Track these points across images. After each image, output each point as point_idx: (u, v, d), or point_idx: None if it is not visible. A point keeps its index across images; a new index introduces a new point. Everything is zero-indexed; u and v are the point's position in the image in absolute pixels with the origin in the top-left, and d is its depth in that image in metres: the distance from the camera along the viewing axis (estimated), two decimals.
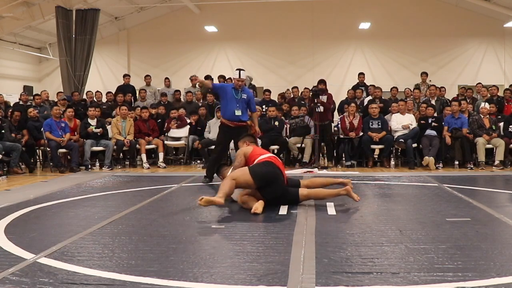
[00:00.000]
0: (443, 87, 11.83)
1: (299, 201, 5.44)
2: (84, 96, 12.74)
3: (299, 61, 16.23)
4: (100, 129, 10.04)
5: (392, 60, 16.13)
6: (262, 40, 16.31)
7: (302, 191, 5.46)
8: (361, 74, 12.42)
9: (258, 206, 5.10)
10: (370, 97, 11.24)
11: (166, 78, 13.25)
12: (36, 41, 16.70)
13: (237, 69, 7.46)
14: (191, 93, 12.00)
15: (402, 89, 12.48)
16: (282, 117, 10.48)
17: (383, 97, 11.16)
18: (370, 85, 11.80)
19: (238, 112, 7.32)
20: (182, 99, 12.11)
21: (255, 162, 5.37)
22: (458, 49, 15.99)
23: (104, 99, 12.07)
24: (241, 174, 5.14)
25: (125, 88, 12.32)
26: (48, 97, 11.97)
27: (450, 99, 11.17)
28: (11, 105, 11.63)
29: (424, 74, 12.52)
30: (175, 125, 10.60)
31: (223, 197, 4.94)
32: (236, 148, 6.94)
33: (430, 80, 13.14)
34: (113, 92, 12.21)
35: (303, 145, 9.99)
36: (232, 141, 7.56)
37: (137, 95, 12.57)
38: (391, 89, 11.71)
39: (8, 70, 15.94)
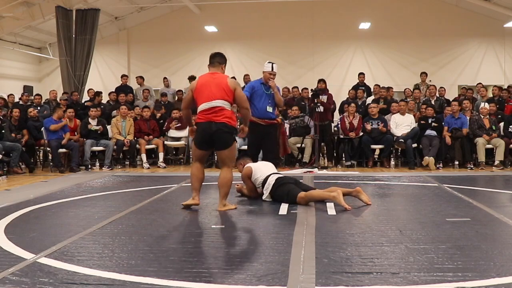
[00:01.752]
0: (442, 87, 11.83)
1: (296, 203, 5.45)
2: (85, 94, 12.76)
3: (299, 61, 16.22)
4: (100, 126, 10.05)
5: (392, 60, 16.12)
6: (262, 40, 16.30)
7: (301, 193, 5.49)
8: (361, 74, 12.41)
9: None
10: (372, 97, 11.24)
11: (165, 78, 13.24)
12: (36, 41, 16.69)
13: (268, 62, 7.02)
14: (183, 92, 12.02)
15: (402, 89, 12.47)
16: (282, 117, 10.47)
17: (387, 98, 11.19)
18: (375, 85, 11.77)
19: (269, 109, 6.87)
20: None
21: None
22: (458, 49, 15.98)
23: (105, 100, 12.11)
24: (194, 148, 5.65)
25: (124, 89, 12.34)
26: (56, 97, 12.00)
27: (451, 99, 11.18)
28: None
29: (424, 74, 12.51)
30: (175, 126, 10.59)
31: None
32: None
33: (430, 80, 13.13)
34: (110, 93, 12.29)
35: (303, 145, 9.98)
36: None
37: (135, 94, 12.57)
38: (387, 88, 11.70)
39: (8, 70, 15.94)
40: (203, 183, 5.49)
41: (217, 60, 5.51)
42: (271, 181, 5.73)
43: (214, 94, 5.28)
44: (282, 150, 7.60)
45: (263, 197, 5.77)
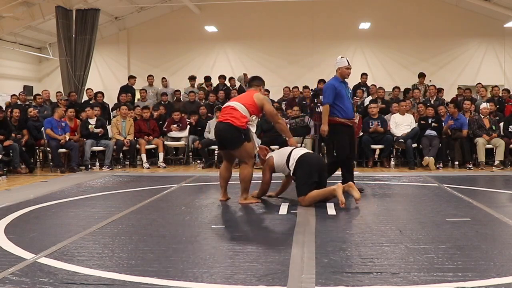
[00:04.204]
0: (440, 88, 11.82)
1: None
2: (84, 94, 12.77)
3: (299, 61, 16.21)
4: (100, 129, 10.05)
5: (392, 60, 16.12)
6: (262, 40, 16.30)
7: (301, 197, 5.48)
8: (364, 75, 12.39)
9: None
10: (370, 97, 11.23)
11: (163, 78, 13.25)
12: (36, 41, 16.69)
13: (341, 57, 6.49)
14: (194, 93, 12.01)
15: (402, 89, 12.45)
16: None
17: (384, 98, 11.17)
18: (372, 85, 11.77)
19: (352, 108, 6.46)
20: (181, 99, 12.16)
21: None
22: (458, 49, 15.97)
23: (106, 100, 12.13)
24: None
25: (129, 89, 12.33)
26: (49, 97, 12.01)
27: (449, 100, 11.16)
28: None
29: (422, 77, 12.45)
30: (175, 127, 10.58)
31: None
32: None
33: (430, 80, 13.11)
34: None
35: (303, 145, 9.97)
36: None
37: (136, 95, 12.58)
38: (393, 89, 11.72)
39: (8, 70, 15.93)
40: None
41: (255, 83, 5.95)
42: (295, 155, 5.55)
43: (234, 99, 5.84)
44: None
45: (291, 174, 5.63)
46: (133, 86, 12.83)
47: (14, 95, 12.27)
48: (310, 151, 5.96)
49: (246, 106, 5.56)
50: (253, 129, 5.65)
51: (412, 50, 15.96)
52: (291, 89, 12.29)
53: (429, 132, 9.78)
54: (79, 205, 5.76)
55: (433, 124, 9.85)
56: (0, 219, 4.91)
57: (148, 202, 5.89)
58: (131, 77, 12.94)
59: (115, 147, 10.06)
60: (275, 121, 5.78)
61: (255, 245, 3.86)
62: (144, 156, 10.19)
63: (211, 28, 16.27)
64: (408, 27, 15.84)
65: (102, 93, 12.02)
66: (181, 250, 3.72)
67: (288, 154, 5.63)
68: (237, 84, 12.92)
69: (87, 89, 12.50)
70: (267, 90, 11.84)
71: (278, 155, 5.81)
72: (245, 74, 12.93)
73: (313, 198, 5.42)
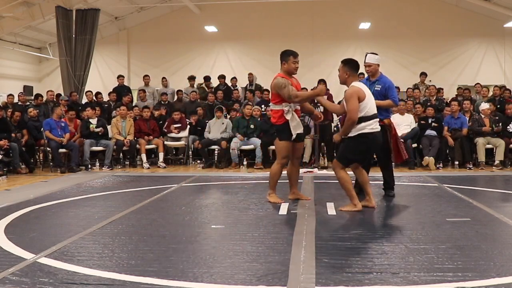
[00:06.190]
0: (440, 88, 11.82)
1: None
2: (84, 96, 12.77)
3: (299, 61, 16.19)
4: (101, 128, 10.04)
5: (392, 60, 16.08)
6: (262, 40, 16.30)
7: (339, 164, 5.42)
8: (361, 74, 12.38)
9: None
10: None
11: (163, 78, 13.25)
12: (36, 41, 16.69)
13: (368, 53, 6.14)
14: (195, 93, 12.01)
15: (404, 89, 12.46)
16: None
17: None
18: None
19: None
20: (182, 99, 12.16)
21: None
22: (458, 49, 15.98)
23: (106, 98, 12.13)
24: None
25: (120, 89, 12.32)
26: (54, 97, 12.01)
27: (448, 100, 11.17)
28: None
29: (423, 75, 12.47)
30: (175, 127, 10.58)
31: None
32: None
33: (430, 80, 13.11)
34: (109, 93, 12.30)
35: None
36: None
37: (134, 95, 12.58)
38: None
39: (8, 70, 15.93)
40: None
41: (281, 60, 5.63)
42: (370, 126, 5.13)
43: None
44: (395, 156, 6.29)
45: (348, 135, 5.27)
46: (129, 87, 12.83)
47: (10, 95, 12.20)
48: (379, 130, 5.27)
49: (271, 101, 5.70)
50: (288, 116, 5.37)
51: (412, 50, 15.96)
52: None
53: (429, 132, 9.78)
54: (79, 205, 5.76)
55: (433, 124, 9.85)
56: (0, 219, 4.91)
57: (148, 202, 5.89)
58: (119, 76, 12.96)
59: (115, 147, 10.06)
60: (295, 103, 5.37)
61: (255, 245, 3.86)
62: (144, 156, 10.19)
63: (211, 28, 16.27)
64: (408, 27, 15.83)
65: (100, 93, 12.05)
66: (181, 250, 3.72)
67: (371, 115, 5.13)
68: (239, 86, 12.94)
69: (87, 91, 12.49)
70: (268, 90, 11.84)
71: (368, 101, 5.11)
72: (250, 74, 12.92)
73: (343, 180, 5.22)
